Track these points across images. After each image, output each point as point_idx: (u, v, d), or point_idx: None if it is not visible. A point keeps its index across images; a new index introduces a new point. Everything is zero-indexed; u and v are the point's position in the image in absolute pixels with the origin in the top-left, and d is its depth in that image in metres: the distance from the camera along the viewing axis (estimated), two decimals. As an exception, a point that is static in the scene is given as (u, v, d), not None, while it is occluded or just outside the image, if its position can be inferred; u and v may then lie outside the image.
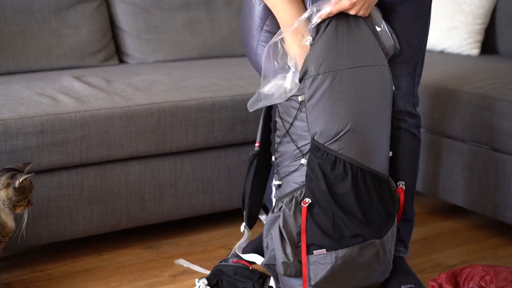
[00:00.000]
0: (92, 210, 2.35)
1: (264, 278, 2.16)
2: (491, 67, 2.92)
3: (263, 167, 2.16)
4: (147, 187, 2.43)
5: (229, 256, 2.24)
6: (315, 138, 1.98)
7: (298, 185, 2.02)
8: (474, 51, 3.22)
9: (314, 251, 1.98)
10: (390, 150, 2.17)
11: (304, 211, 1.98)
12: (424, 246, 2.51)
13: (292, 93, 1.98)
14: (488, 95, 2.47)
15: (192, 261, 2.36)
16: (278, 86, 2.00)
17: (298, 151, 2.02)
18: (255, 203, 2.17)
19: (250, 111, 2.03)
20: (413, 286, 2.13)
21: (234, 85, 2.56)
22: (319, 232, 1.98)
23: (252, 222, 2.19)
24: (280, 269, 2.03)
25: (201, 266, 2.31)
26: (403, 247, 2.26)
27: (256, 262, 2.16)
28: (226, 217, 2.69)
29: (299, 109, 1.99)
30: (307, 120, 1.99)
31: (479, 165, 2.51)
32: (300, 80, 1.97)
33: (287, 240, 2.00)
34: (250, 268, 2.19)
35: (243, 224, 2.17)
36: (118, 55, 3.03)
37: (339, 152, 1.98)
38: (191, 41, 3.09)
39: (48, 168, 2.25)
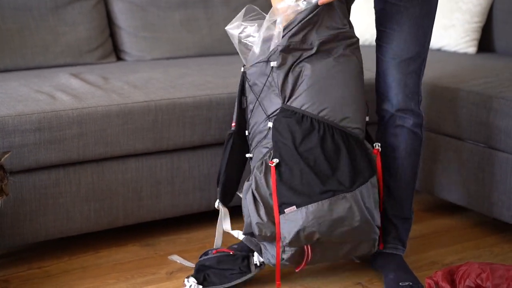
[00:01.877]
0: (89, 207, 2.35)
1: (248, 258, 2.19)
2: (488, 65, 2.92)
3: (240, 146, 2.19)
4: (144, 184, 2.43)
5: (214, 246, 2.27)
6: (286, 103, 2.04)
7: (267, 149, 2.07)
8: (471, 49, 3.23)
9: (285, 210, 2.01)
10: (392, 148, 2.18)
11: (273, 171, 2.02)
12: (421, 243, 2.52)
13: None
14: (485, 93, 2.47)
15: (189, 259, 2.36)
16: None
17: (265, 116, 2.07)
18: (230, 181, 2.21)
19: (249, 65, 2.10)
20: (410, 283, 2.14)
21: (231, 82, 2.56)
22: (289, 190, 2.01)
23: (228, 199, 2.23)
24: (255, 230, 2.06)
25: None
26: (401, 245, 2.27)
27: (238, 237, 2.19)
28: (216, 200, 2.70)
29: (270, 74, 2.06)
30: (277, 84, 2.04)
31: (475, 163, 2.51)
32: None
33: (260, 202, 2.04)
34: (231, 253, 2.22)
35: (217, 200, 2.22)
36: (116, 52, 3.03)
37: (305, 110, 2.03)
38: (188, 39, 3.09)
39: (45, 165, 2.25)
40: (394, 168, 2.21)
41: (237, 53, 2.18)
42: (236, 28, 2.10)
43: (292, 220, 2.00)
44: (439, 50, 3.31)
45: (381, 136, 2.23)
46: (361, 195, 2.04)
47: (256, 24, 2.08)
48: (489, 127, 2.44)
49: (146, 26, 3.03)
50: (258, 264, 2.18)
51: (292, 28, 2.03)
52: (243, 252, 2.23)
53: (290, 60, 2.05)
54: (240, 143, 2.19)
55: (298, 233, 2.00)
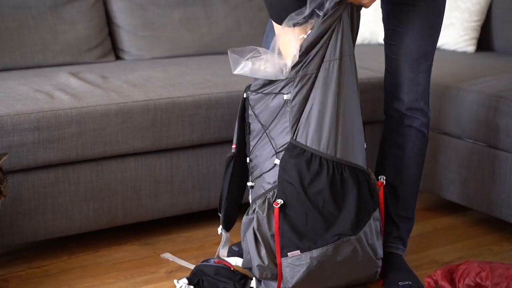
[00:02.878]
0: (88, 206, 2.35)
1: (246, 279, 2.15)
2: (487, 64, 2.92)
3: (240, 168, 2.14)
4: (143, 183, 2.43)
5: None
6: (296, 138, 1.98)
7: (270, 185, 2.02)
8: (470, 48, 3.23)
9: (288, 253, 1.97)
10: (399, 148, 2.18)
11: (276, 212, 1.96)
12: (420, 242, 2.52)
13: (288, 74, 1.97)
14: (484, 92, 2.47)
15: (188, 258, 2.36)
16: (276, 64, 1.99)
17: (273, 151, 2.01)
18: (232, 206, 2.17)
19: (234, 72, 2.01)
20: (410, 283, 2.13)
21: (230, 81, 2.56)
22: (293, 233, 1.97)
23: (230, 224, 2.19)
24: (255, 272, 2.03)
25: (197, 262, 2.31)
26: (402, 245, 2.26)
27: (237, 264, 2.18)
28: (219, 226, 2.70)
29: (282, 107, 2.00)
30: (289, 118, 1.99)
31: (475, 162, 2.51)
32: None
33: (261, 243, 2.00)
34: (232, 269, 2.18)
35: (220, 227, 2.18)
36: (115, 51, 3.03)
37: (315, 149, 1.98)
38: (188, 38, 3.08)
39: (44, 165, 2.25)
40: (400, 167, 2.21)
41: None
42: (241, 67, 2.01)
43: (296, 265, 1.98)
44: (438, 48, 3.28)
45: (388, 135, 2.22)
46: (365, 235, 2.03)
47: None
48: (489, 126, 2.44)
49: (145, 25, 3.03)
50: None
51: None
52: (242, 274, 2.18)
53: (303, 91, 1.98)
54: (241, 167, 2.14)
55: (302, 277, 1.98)
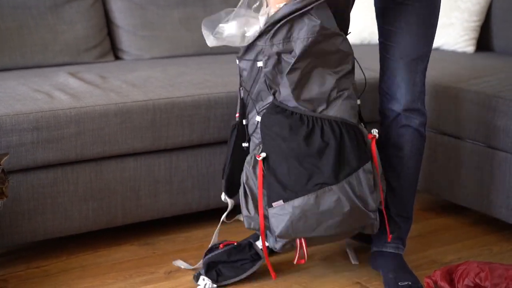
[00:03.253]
0: (87, 206, 2.35)
1: (252, 245, 2.23)
2: (486, 64, 2.92)
3: (244, 136, 2.19)
4: (142, 183, 2.43)
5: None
6: (276, 97, 2.06)
7: (258, 141, 2.09)
8: (470, 48, 3.23)
9: (273, 204, 2.03)
10: (397, 148, 2.18)
11: (260, 165, 2.04)
12: (420, 242, 2.52)
13: (247, 42, 2.04)
14: (483, 92, 2.47)
15: (188, 258, 2.36)
16: (240, 28, 2.05)
17: (256, 111, 2.10)
18: (235, 172, 2.20)
19: (210, 46, 2.09)
20: (410, 283, 2.14)
21: (229, 81, 2.56)
22: (277, 185, 2.03)
23: (232, 191, 2.24)
24: (244, 222, 2.10)
25: (197, 262, 2.31)
26: (401, 244, 2.27)
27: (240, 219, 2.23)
28: (222, 213, 2.68)
29: (258, 73, 2.07)
30: (265, 82, 2.06)
31: (475, 162, 2.51)
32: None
33: (249, 195, 2.07)
34: (235, 243, 2.25)
35: (223, 193, 2.22)
36: (114, 51, 3.02)
37: (295, 106, 2.04)
38: (187, 38, 3.08)
39: (43, 165, 2.25)
40: (399, 167, 2.21)
41: (235, 52, 2.18)
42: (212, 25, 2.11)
43: (280, 214, 2.03)
44: (437, 49, 3.30)
45: (385, 135, 2.22)
46: (350, 185, 2.03)
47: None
48: (488, 126, 2.44)
49: (144, 25, 3.03)
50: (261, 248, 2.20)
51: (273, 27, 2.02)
52: (245, 240, 2.27)
53: (275, 55, 2.04)
54: (243, 133, 2.19)
55: (286, 227, 2.02)
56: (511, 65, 2.89)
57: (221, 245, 2.26)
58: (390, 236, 2.20)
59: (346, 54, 2.07)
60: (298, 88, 2.04)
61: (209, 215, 2.65)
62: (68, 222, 2.33)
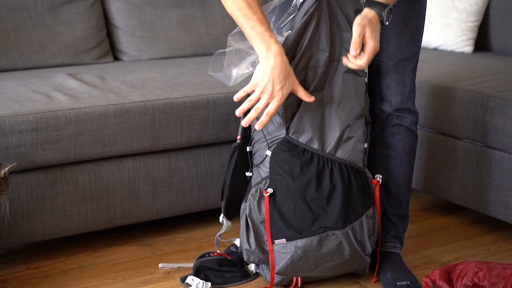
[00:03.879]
0: (86, 207, 2.35)
1: (245, 266, 2.24)
2: (484, 65, 2.93)
3: (245, 160, 2.18)
4: (141, 184, 2.43)
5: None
6: (290, 134, 2.04)
7: (265, 175, 2.08)
8: (468, 48, 3.23)
9: (275, 241, 2.04)
10: (390, 147, 2.18)
11: (266, 201, 2.03)
12: (418, 242, 2.52)
13: (236, 82, 2.05)
14: (482, 92, 2.48)
15: (187, 258, 2.36)
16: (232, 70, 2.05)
17: (266, 143, 2.08)
18: (234, 194, 2.21)
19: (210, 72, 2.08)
20: (408, 283, 2.14)
21: (228, 82, 2.56)
22: (281, 222, 2.03)
23: (232, 213, 2.24)
24: (244, 255, 2.11)
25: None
26: (399, 243, 2.27)
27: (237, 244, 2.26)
28: (221, 214, 2.70)
29: None
30: (281, 114, 2.04)
31: (473, 162, 2.52)
32: None
33: (251, 229, 2.07)
34: (230, 258, 2.26)
35: (221, 214, 2.23)
36: (113, 52, 3.03)
37: (307, 144, 2.04)
38: (186, 39, 3.09)
39: (42, 165, 2.25)
40: (393, 167, 2.22)
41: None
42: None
43: (282, 252, 2.04)
44: (435, 49, 3.31)
45: (378, 135, 2.23)
46: (353, 231, 2.07)
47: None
48: (486, 126, 2.44)
49: (143, 26, 3.03)
50: (254, 272, 2.23)
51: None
52: (240, 259, 2.27)
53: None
54: (244, 157, 2.18)
55: (286, 265, 2.05)
56: (509, 65, 2.90)
57: (215, 253, 2.28)
58: (375, 278, 2.22)
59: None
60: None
61: (208, 215, 2.66)
62: (67, 223, 2.34)
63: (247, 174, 2.16)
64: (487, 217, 2.71)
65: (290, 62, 1.96)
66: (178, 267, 2.30)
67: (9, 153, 2.18)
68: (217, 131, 2.50)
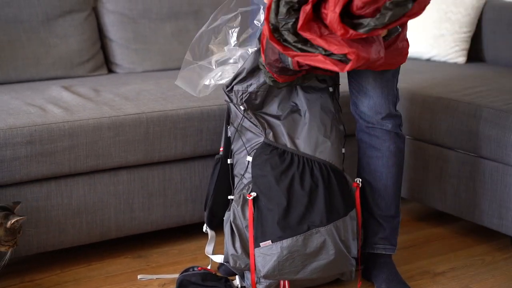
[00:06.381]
0: (81, 219, 2.35)
1: (230, 281, 2.23)
2: (477, 75, 2.94)
3: (227, 171, 2.23)
4: (136, 196, 2.43)
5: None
6: (268, 137, 2.11)
7: (247, 181, 2.12)
8: (461, 59, 3.25)
9: (261, 244, 2.05)
10: (375, 148, 2.19)
11: (250, 204, 2.06)
12: (412, 253, 2.52)
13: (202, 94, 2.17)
14: (475, 103, 2.49)
15: (181, 270, 2.36)
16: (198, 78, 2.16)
17: (246, 151, 2.14)
18: (217, 205, 2.24)
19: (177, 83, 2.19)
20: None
21: (221, 94, 2.55)
22: (265, 225, 2.05)
23: (214, 222, 2.26)
24: (230, 262, 2.11)
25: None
26: (389, 244, 2.26)
27: (217, 261, 2.27)
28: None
29: (242, 117, 2.15)
30: (254, 123, 2.13)
31: (466, 172, 2.52)
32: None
33: (236, 234, 2.09)
34: (214, 273, 2.26)
35: (205, 224, 2.26)
36: (107, 65, 3.03)
37: (286, 145, 2.10)
38: (180, 51, 3.09)
39: (36, 178, 2.25)
40: (379, 168, 2.21)
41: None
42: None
43: (267, 254, 2.05)
44: (428, 60, 3.32)
45: (362, 137, 2.23)
46: (337, 229, 2.08)
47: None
48: (479, 136, 2.45)
49: (137, 38, 3.04)
50: (240, 286, 2.22)
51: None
52: (226, 274, 2.28)
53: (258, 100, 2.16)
54: (227, 168, 2.23)
55: (272, 267, 2.05)
56: (502, 76, 2.91)
57: (199, 268, 2.28)
58: (360, 282, 2.23)
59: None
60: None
61: (202, 227, 2.66)
62: (61, 236, 2.34)
63: (229, 197, 2.18)
64: (481, 227, 2.72)
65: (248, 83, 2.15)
66: (156, 278, 2.30)
67: (3, 166, 2.18)
68: (211, 142, 2.50)
